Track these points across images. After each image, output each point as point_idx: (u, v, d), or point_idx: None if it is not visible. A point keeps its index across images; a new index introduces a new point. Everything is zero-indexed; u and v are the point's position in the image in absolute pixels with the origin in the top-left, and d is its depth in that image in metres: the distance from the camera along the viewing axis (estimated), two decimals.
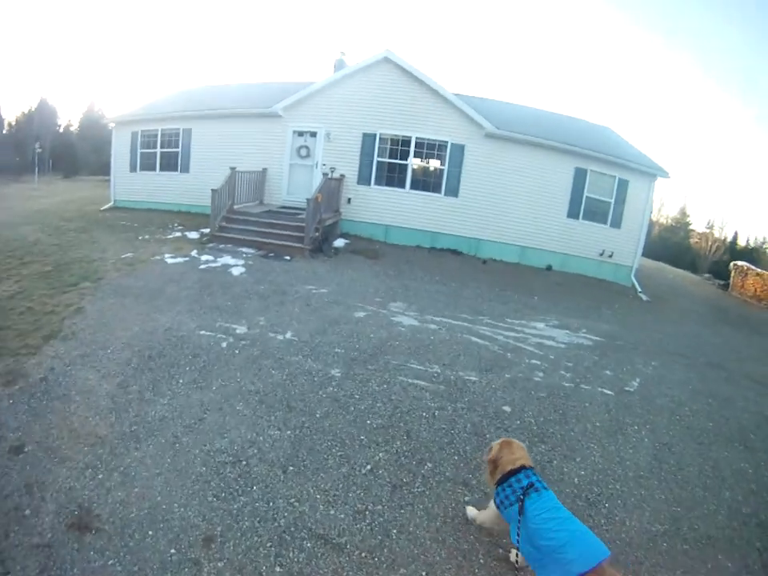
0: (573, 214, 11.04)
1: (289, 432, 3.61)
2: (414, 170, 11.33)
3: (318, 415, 3.87)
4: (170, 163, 12.65)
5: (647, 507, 3.30)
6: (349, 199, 11.33)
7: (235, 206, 9.91)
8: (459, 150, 10.92)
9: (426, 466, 3.41)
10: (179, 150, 12.43)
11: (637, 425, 4.35)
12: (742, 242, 33.06)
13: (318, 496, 3.01)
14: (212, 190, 9.05)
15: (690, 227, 34.17)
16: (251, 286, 6.68)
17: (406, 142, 10.98)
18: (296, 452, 3.38)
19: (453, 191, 11.07)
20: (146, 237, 9.28)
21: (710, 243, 30.98)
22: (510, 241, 11.07)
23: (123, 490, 2.89)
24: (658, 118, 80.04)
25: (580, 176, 10.88)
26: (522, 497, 2.17)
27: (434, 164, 11.52)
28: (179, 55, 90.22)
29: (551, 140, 10.74)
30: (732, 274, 15.36)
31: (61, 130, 39.58)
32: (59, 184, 26.20)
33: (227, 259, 7.97)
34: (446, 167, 11.04)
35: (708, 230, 32.83)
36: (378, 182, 11.30)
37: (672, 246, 30.01)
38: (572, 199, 10.96)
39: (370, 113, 10.91)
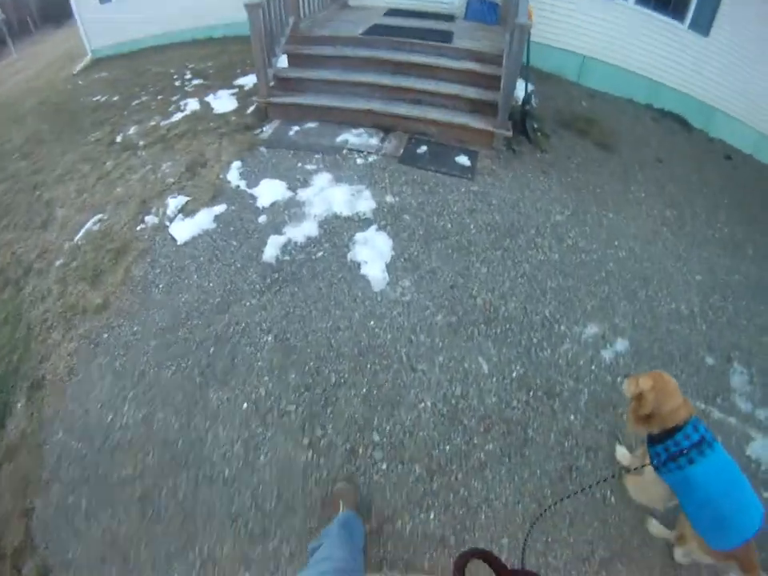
0: None
1: None
2: None
3: None
4: None
5: None
6: None
7: (303, 26, 4.56)
8: None
9: None
10: None
11: None
12: None
13: None
14: (246, 4, 3.51)
15: None
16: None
17: None
18: None
19: (702, 24, 5.72)
20: (130, 133, 4.49)
21: None
22: (749, 121, 6.20)
23: None
24: None
25: None
26: (692, 458, 1.59)
27: None
28: None
29: None
30: None
31: None
32: (46, 43, 20.35)
33: (327, 189, 3.22)
34: None
35: None
36: None
37: None
38: None
39: None
